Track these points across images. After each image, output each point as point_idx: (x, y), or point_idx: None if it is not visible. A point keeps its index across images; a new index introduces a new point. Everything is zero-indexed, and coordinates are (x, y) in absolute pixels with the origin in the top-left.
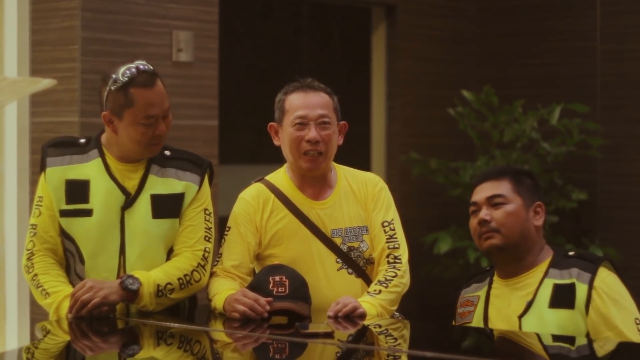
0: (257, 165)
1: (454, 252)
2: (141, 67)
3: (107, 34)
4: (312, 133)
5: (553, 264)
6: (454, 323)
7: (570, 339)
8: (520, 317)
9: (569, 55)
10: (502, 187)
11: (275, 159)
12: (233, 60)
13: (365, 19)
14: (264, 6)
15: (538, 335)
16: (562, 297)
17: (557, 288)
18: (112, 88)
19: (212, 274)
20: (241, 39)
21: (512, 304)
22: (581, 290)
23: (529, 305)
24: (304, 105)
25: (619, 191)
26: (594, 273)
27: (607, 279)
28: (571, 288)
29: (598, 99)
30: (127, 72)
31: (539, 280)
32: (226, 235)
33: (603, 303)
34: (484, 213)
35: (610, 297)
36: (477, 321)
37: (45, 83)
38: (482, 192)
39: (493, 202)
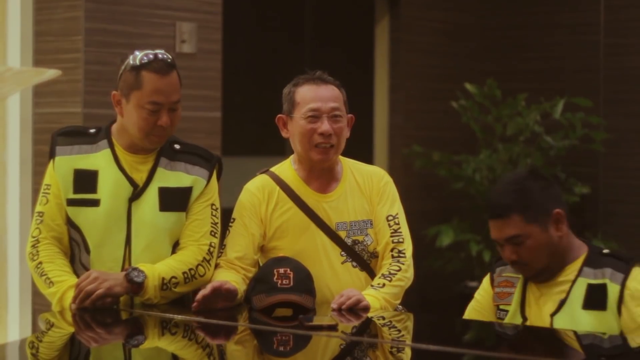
0: (260, 157)
1: (456, 245)
2: (160, 55)
3: (110, 25)
4: (325, 126)
5: (587, 262)
6: (488, 303)
7: (574, 334)
8: (553, 315)
9: (572, 49)
10: (513, 225)
11: (278, 151)
12: (236, 51)
13: (368, 11)
14: None
15: (541, 329)
16: (595, 299)
17: (590, 288)
18: (127, 68)
19: (216, 266)
20: (244, 31)
21: (545, 301)
22: (613, 290)
23: (562, 303)
24: (317, 98)
25: (622, 185)
26: (627, 273)
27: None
28: (603, 289)
29: (601, 92)
30: (145, 57)
31: (573, 279)
32: (230, 226)
33: (635, 303)
34: (509, 252)
35: None
36: (515, 305)
37: (50, 74)
38: (497, 231)
39: (512, 241)
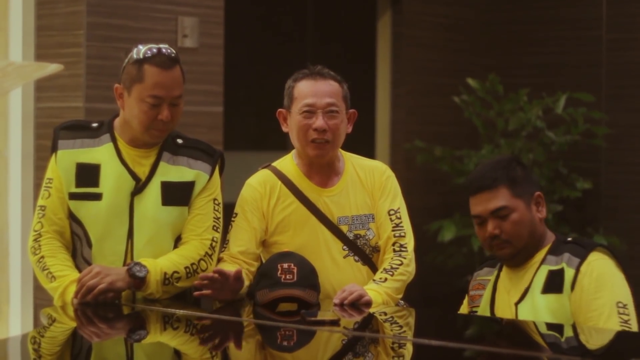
0: (262, 151)
1: (458, 240)
2: (164, 50)
3: (112, 20)
4: (319, 122)
5: (551, 250)
6: (466, 307)
7: (577, 328)
8: (517, 303)
9: (574, 44)
10: (501, 197)
11: (280, 145)
12: (238, 46)
13: (370, 6)
14: None
15: (546, 325)
16: (553, 283)
17: (550, 274)
18: (130, 61)
19: (219, 260)
20: (246, 25)
21: (511, 291)
22: (569, 274)
23: (525, 292)
24: (312, 93)
25: (624, 180)
26: (583, 258)
27: (594, 263)
28: (560, 273)
29: (603, 88)
30: (149, 51)
31: (536, 268)
32: (233, 221)
33: (582, 286)
34: (492, 227)
35: (593, 280)
36: (484, 305)
37: (52, 68)
38: (482, 205)
39: (498, 214)
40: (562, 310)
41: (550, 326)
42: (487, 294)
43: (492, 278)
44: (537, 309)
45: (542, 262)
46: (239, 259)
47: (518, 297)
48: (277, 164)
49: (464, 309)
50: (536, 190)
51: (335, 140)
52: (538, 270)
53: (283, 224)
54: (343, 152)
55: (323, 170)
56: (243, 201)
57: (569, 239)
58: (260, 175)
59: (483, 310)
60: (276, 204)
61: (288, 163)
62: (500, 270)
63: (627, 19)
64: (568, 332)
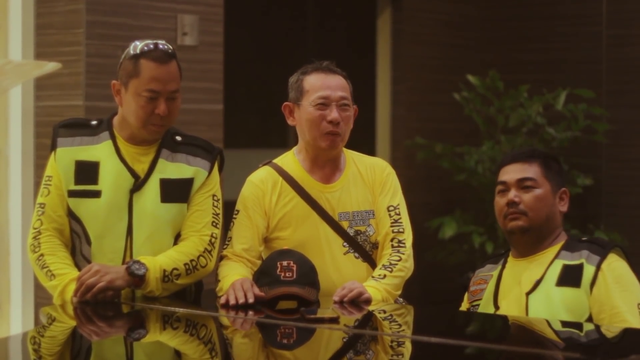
0: (262, 149)
1: (458, 237)
2: (160, 45)
3: (111, 18)
4: (334, 114)
5: (565, 247)
6: (466, 303)
7: (578, 325)
8: (528, 293)
9: (574, 40)
10: (532, 171)
11: (280, 143)
12: (238, 44)
13: (370, 3)
14: None
15: (547, 322)
16: (570, 276)
17: (565, 268)
18: (127, 57)
19: (222, 257)
20: (246, 23)
21: (521, 282)
22: (588, 271)
23: (538, 283)
24: (326, 86)
25: (625, 176)
26: (603, 256)
27: (614, 264)
28: (579, 268)
29: (604, 84)
30: (145, 46)
31: (550, 261)
32: (235, 218)
33: (607, 283)
34: (513, 194)
35: (615, 279)
36: (487, 297)
37: (51, 66)
38: (511, 173)
39: (523, 184)
40: (578, 305)
41: (550, 323)
42: (490, 286)
43: (496, 272)
44: (552, 301)
45: (556, 256)
46: (243, 256)
47: (529, 288)
48: (278, 160)
49: (463, 306)
50: (564, 186)
51: (345, 134)
52: (552, 264)
53: (284, 220)
54: (344, 149)
55: (325, 166)
56: (245, 198)
57: (584, 238)
58: (262, 172)
59: (486, 301)
60: (278, 200)
61: (289, 160)
62: (504, 264)
63: (628, 15)
64: (569, 328)
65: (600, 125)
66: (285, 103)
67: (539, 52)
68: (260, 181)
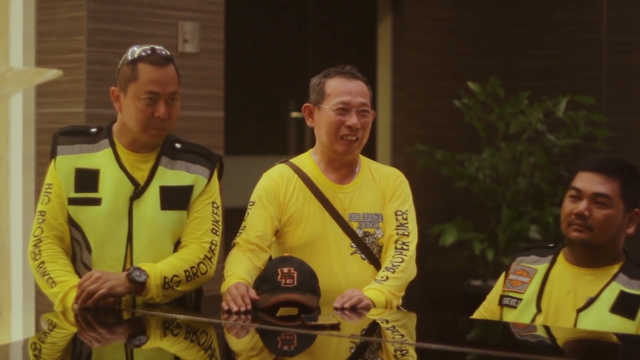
0: (263, 156)
1: (459, 243)
2: (157, 50)
3: (112, 25)
4: (353, 119)
5: (624, 269)
6: (500, 287)
7: (578, 334)
8: (579, 311)
9: (575, 47)
10: (611, 188)
11: (281, 150)
12: (239, 51)
13: (371, 9)
14: None
15: (546, 328)
16: (626, 306)
17: (623, 295)
18: (124, 62)
19: (233, 245)
20: (247, 30)
21: (572, 294)
22: None
23: (591, 302)
24: (347, 92)
25: None
26: None
27: None
28: (637, 300)
29: (604, 90)
30: (143, 51)
31: (606, 281)
32: (250, 209)
33: None
34: (584, 207)
35: None
36: (529, 296)
37: (52, 74)
38: (589, 183)
39: (597, 199)
40: None
41: (554, 329)
42: (534, 284)
43: (542, 268)
44: (603, 326)
45: (614, 278)
46: (255, 243)
47: (581, 305)
48: (294, 160)
49: (497, 289)
50: (637, 206)
51: (363, 139)
52: (608, 285)
53: (295, 216)
54: (360, 155)
55: (340, 168)
56: (261, 190)
57: None
58: (278, 168)
59: (528, 301)
60: (291, 195)
61: (305, 159)
62: (553, 262)
63: (628, 22)
64: (572, 336)
65: (601, 132)
66: (306, 104)
67: (539, 59)
68: (277, 175)
